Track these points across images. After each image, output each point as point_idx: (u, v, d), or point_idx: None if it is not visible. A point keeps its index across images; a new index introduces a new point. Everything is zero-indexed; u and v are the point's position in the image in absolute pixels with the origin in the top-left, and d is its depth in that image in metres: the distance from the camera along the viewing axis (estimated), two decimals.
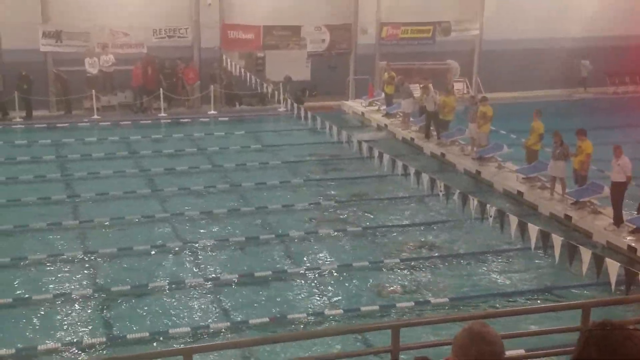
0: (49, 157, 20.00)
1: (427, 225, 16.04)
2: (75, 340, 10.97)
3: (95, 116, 24.26)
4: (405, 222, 16.20)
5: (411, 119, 23.58)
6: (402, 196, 17.73)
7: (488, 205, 14.90)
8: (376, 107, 26.30)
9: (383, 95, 25.97)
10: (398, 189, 18.12)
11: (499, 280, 13.45)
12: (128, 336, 11.09)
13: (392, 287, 13.01)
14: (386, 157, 18.29)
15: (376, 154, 18.70)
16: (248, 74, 26.15)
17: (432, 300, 12.47)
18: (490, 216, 14.76)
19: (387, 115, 24.96)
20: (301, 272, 13.50)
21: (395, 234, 15.53)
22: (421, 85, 22.98)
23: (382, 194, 17.97)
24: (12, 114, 23.82)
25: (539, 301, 12.54)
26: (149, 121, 24.54)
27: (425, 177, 16.72)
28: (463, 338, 3.75)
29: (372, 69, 28.41)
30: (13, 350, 10.56)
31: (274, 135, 23.54)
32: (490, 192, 18.02)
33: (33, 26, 24.15)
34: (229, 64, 26.69)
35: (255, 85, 26.03)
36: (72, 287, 12.62)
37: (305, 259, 14.15)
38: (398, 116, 24.45)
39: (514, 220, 14.04)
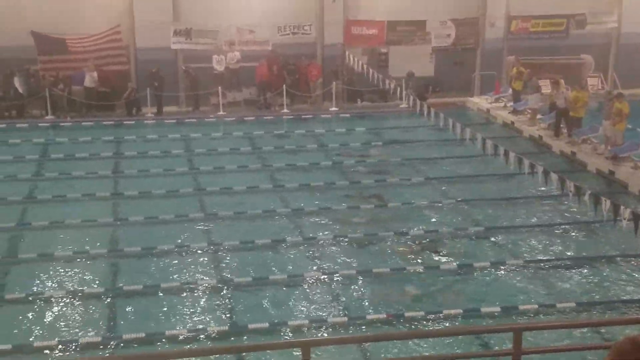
0: (177, 152, 20.74)
1: (554, 226, 15.37)
2: (200, 327, 11.28)
3: (221, 112, 24.97)
4: (531, 222, 15.59)
5: (539, 115, 22.70)
6: (529, 196, 17.09)
7: (622, 207, 14.08)
8: (502, 104, 25.52)
9: (510, 91, 25.16)
10: (524, 189, 17.48)
11: (630, 287, 12.66)
12: (249, 326, 11.28)
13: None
14: (512, 155, 17.67)
15: (501, 151, 18.11)
16: (370, 70, 26.07)
17: (558, 304, 11.92)
18: (624, 219, 13.94)
19: (514, 111, 24.15)
20: (419, 270, 13.27)
21: (519, 235, 14.98)
22: (551, 81, 22.05)
23: (507, 194, 17.38)
24: (144, 110, 24.92)
25: None
26: (272, 117, 24.98)
27: (554, 177, 16.02)
28: (625, 344, 3.82)
29: (500, 64, 27.60)
30: (143, 335, 10.97)
31: (395, 132, 23.32)
32: (624, 193, 17.04)
33: (165, 25, 25.16)
34: (351, 60, 26.73)
35: (377, 82, 25.91)
36: (198, 277, 12.99)
37: (423, 258, 13.89)
38: (526, 113, 23.60)
39: None
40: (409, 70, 26.68)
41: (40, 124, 23.59)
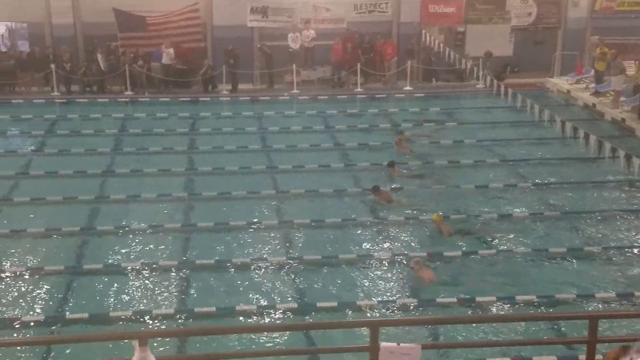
0: (251, 129, 20.91)
1: (634, 213, 14.80)
2: (268, 303, 11.38)
3: (295, 90, 25.02)
4: (611, 208, 15.06)
5: (623, 97, 21.84)
6: (609, 180, 16.51)
7: None
8: (584, 85, 24.67)
9: (592, 72, 24.29)
10: (604, 173, 16.89)
11: None
12: (317, 304, 11.31)
13: None
14: (592, 138, 17.08)
15: (581, 134, 17.53)
16: (447, 49, 25.61)
17: (637, 293, 11.50)
18: None
19: (596, 93, 23.31)
20: (493, 254, 13.02)
21: (598, 220, 14.49)
22: (637, 62, 21.15)
23: (587, 178, 16.83)
24: (219, 87, 25.21)
25: None
26: (345, 96, 24.87)
27: (636, 161, 15.41)
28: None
29: (582, 44, 26.71)
30: (214, 309, 11.15)
31: (471, 113, 22.87)
32: None
33: (242, 3, 25.31)
34: (427, 38, 26.31)
35: (453, 61, 25.45)
36: (268, 254, 13.10)
37: (496, 242, 13.62)
38: (608, 95, 22.75)
39: None
40: (487, 50, 26.11)
41: (119, 100, 24.20)
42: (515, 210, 15.01)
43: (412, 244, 13.56)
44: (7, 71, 24.55)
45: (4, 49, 25.62)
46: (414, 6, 26.30)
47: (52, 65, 24.09)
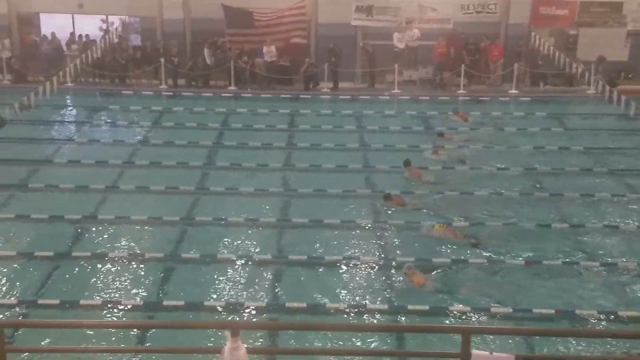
0: (349, 127, 20.89)
1: None
2: (359, 302, 11.32)
3: (396, 90, 24.82)
4: None
5: None
6: None
7: None
8: None
9: None
10: None
11: None
12: (408, 307, 11.18)
13: None
14: None
15: None
16: (557, 53, 24.76)
17: None
18: None
19: None
20: (594, 266, 12.48)
21: None
22: None
23: None
24: (321, 85, 25.34)
25: None
26: (447, 97, 24.46)
27: None
28: None
29: None
30: (304, 305, 11.19)
31: (579, 119, 22.02)
32: None
33: (347, 1, 25.32)
34: (536, 41, 25.51)
35: (563, 65, 24.57)
36: (361, 253, 13.04)
37: (600, 252, 13.04)
38: None
39: None
40: (600, 54, 25.01)
41: (223, 95, 24.69)
42: (622, 222, 14.32)
43: (510, 248, 13.14)
44: (119, 64, 25.54)
45: (117, 43, 26.66)
46: (524, 7, 25.55)
47: (162, 59, 24.88)
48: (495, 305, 11.26)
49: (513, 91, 24.76)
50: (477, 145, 19.08)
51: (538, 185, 16.44)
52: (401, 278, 12.07)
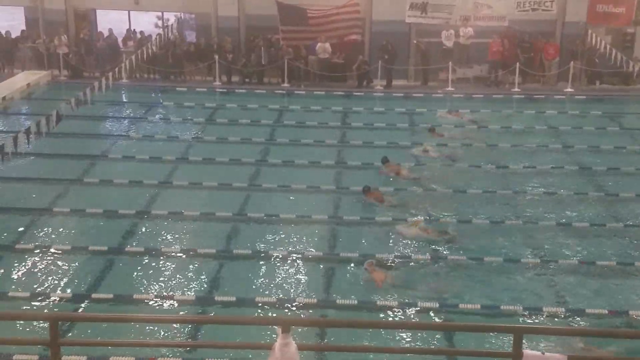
0: (402, 125, 20.84)
1: None
2: (409, 301, 11.33)
3: (449, 88, 24.63)
4: None
5: None
6: None
7: None
8: None
9: None
10: None
11: None
12: (460, 305, 11.17)
13: None
14: None
15: None
16: (613, 51, 24.23)
17: None
18: None
19: None
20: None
21: None
22: None
23: None
24: (374, 82, 25.31)
25: None
26: (501, 95, 24.17)
27: None
28: None
29: None
30: (355, 302, 11.24)
31: (636, 118, 21.53)
32: None
33: None
34: (593, 39, 25.02)
35: (620, 64, 24.04)
36: (411, 252, 13.05)
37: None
38: None
39: None
40: None
41: (276, 91, 24.88)
42: None
43: (564, 249, 12.97)
44: (175, 60, 25.94)
45: (172, 39, 27.09)
46: (581, 5, 25.09)
47: (216, 56, 25.18)
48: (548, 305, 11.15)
49: (569, 89, 24.34)
50: (532, 145, 18.87)
51: (591, 185, 16.16)
52: (445, 276, 12.02)
